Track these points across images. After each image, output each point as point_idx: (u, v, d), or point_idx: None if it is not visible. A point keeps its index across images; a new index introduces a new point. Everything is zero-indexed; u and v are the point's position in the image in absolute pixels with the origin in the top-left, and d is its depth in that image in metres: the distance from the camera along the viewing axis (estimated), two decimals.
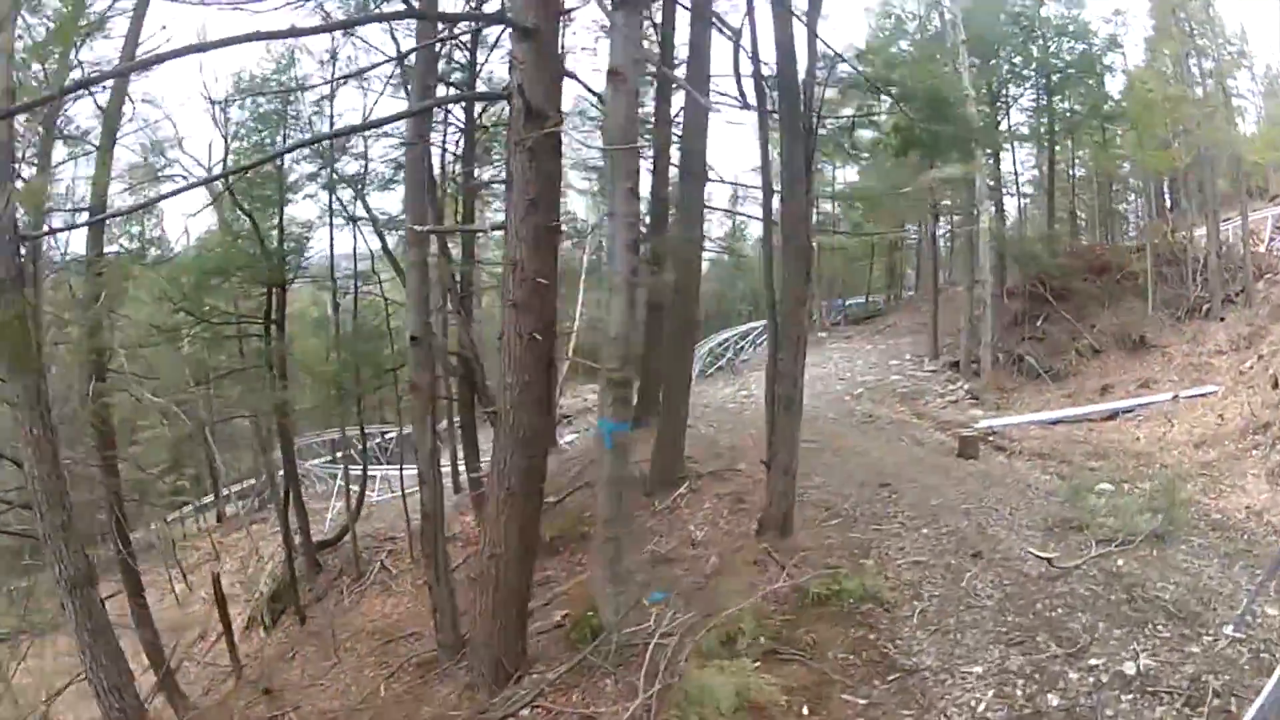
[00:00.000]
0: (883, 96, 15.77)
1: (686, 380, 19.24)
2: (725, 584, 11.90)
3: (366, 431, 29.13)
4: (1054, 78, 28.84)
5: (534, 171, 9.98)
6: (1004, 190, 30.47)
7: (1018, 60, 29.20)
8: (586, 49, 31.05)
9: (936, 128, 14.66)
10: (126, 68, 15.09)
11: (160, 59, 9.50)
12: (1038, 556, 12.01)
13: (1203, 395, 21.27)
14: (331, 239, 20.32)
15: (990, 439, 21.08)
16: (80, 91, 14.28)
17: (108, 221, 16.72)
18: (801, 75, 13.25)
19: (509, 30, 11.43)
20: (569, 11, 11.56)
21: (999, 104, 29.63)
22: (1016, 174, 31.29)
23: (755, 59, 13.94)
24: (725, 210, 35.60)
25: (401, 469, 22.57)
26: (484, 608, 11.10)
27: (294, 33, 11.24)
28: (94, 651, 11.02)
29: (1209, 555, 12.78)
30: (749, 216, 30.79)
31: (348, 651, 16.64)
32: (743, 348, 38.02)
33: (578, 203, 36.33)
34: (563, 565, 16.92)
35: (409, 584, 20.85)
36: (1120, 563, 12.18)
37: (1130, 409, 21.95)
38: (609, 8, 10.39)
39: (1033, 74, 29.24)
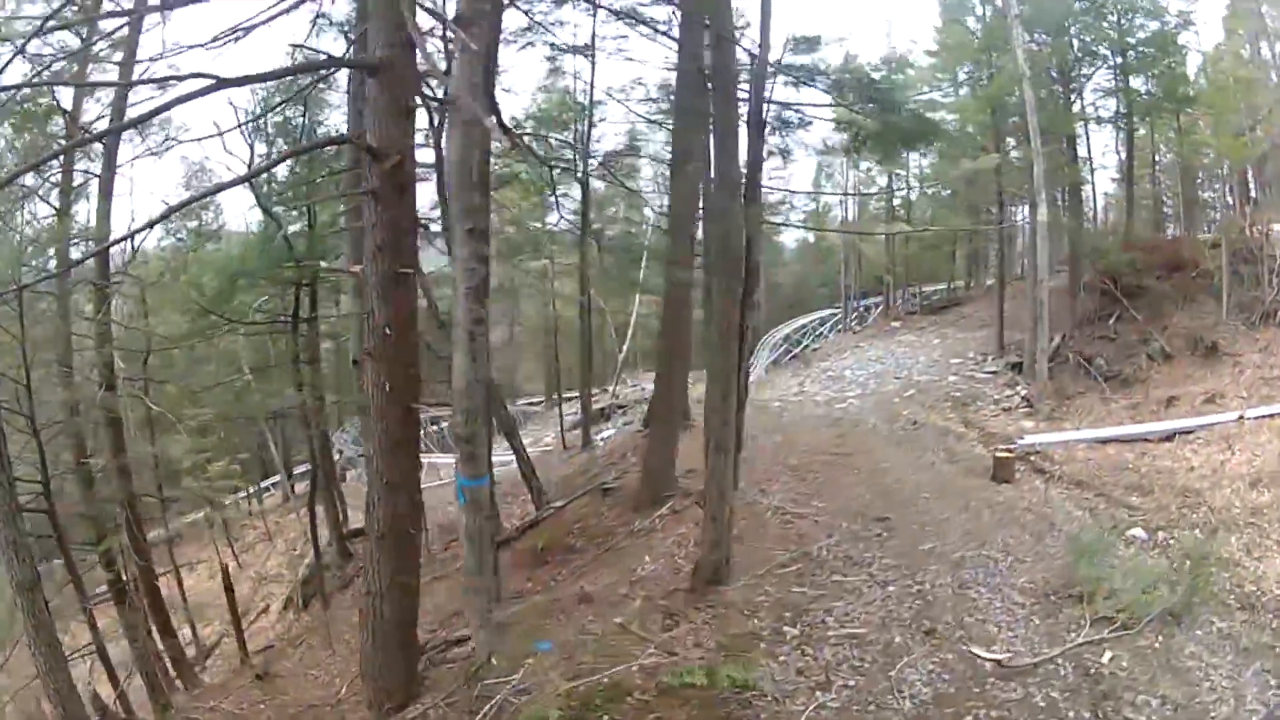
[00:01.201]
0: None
1: (680, 396, 17.39)
2: (613, 644, 10.14)
3: (424, 417, 29.01)
4: (1128, 56, 24.32)
5: (379, 216, 9.01)
6: (1083, 178, 25.99)
7: (1088, 38, 24.70)
8: None
9: (889, 121, 11.92)
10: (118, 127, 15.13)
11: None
12: (980, 658, 9.45)
13: (1270, 416, 17.31)
14: None
15: (1032, 458, 17.82)
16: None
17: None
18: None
19: None
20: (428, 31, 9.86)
21: (1071, 84, 25.15)
22: (1090, 159, 26.58)
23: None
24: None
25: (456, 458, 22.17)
26: (365, 642, 10.64)
27: None
28: (37, 644, 11.04)
29: (1224, 649, 9.86)
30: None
31: (343, 644, 15.94)
32: (821, 334, 35.31)
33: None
34: (546, 575, 15.71)
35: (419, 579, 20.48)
36: (1108, 656, 9.53)
37: (1190, 429, 18.00)
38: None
39: (1106, 52, 24.64)
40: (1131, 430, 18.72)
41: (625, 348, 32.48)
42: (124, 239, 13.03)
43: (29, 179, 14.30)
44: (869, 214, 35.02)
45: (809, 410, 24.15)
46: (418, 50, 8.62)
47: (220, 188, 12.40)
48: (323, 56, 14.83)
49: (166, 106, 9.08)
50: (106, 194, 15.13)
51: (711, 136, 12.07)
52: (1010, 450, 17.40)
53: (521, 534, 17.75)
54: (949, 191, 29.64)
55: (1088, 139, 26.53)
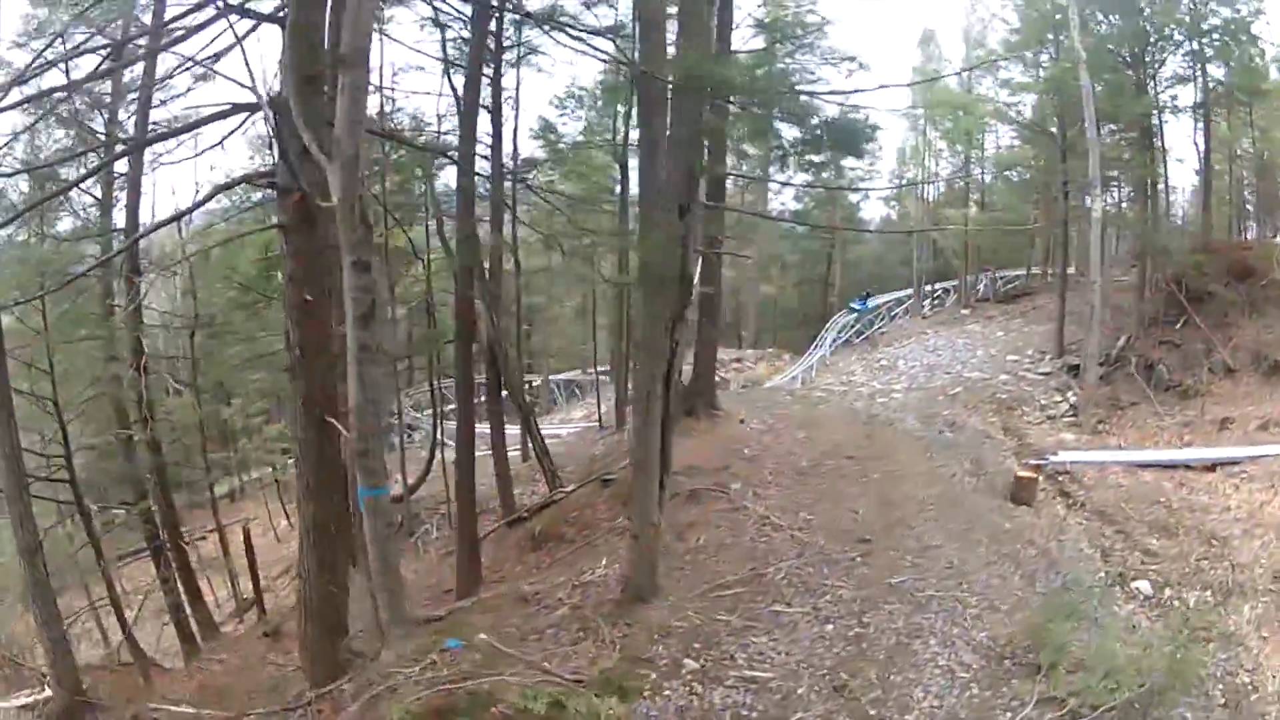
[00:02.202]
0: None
1: (663, 399, 16.10)
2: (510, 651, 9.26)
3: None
4: (1204, 43, 20.45)
5: (288, 247, 9.40)
6: (1158, 171, 21.96)
7: (1161, 20, 20.85)
8: None
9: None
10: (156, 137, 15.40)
11: None
12: None
13: None
14: None
15: (1061, 478, 15.37)
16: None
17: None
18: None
19: None
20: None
21: (1144, 70, 21.21)
22: (1164, 150, 22.21)
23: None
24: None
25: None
26: (300, 623, 11.25)
27: None
28: (37, 601, 11.42)
29: None
30: None
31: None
32: (895, 315, 32.65)
33: None
34: (534, 561, 15.28)
35: (434, 551, 20.37)
36: None
37: (1238, 460, 14.90)
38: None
39: (1181, 37, 20.79)
40: (1174, 456, 15.83)
41: (685, 322, 31.01)
42: (151, 231, 12.90)
43: (68, 174, 14.66)
44: (939, 199, 31.73)
45: (848, 403, 22.23)
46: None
47: (156, 226, 12.36)
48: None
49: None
50: (135, 189, 15.49)
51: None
52: (1035, 469, 15.15)
53: (531, 515, 17.30)
54: (1027, 175, 26.23)
55: (1160, 129, 22.22)
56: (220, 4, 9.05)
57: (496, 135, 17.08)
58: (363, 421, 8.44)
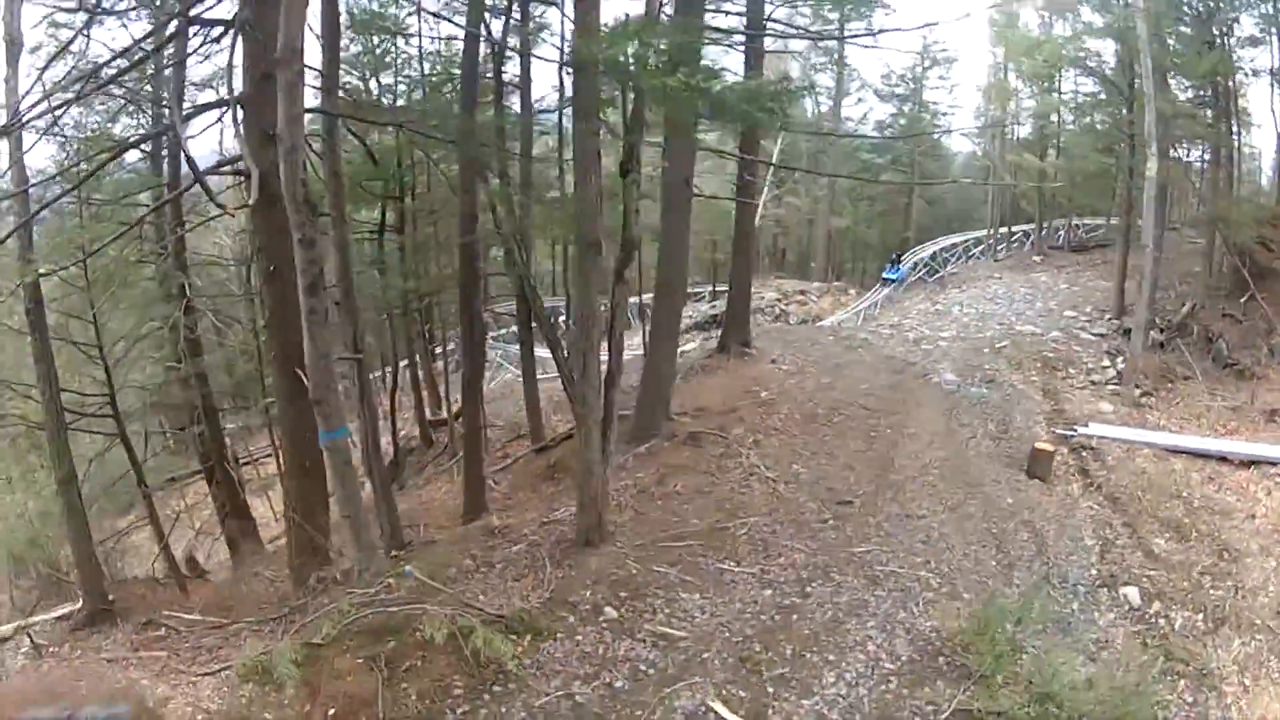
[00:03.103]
0: None
1: (674, 334, 15.30)
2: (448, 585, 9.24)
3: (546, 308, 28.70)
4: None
5: (256, 224, 10.64)
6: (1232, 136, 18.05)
7: None
8: None
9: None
10: None
11: None
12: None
13: None
14: None
15: (1085, 453, 13.59)
16: None
17: None
18: None
19: None
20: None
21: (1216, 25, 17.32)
22: (1238, 113, 18.07)
23: None
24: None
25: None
26: (288, 547, 12.08)
27: None
28: (69, 524, 12.37)
29: None
30: None
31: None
32: (973, 255, 29.92)
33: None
34: (549, 491, 14.71)
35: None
36: None
37: (1276, 462, 12.58)
38: None
39: None
40: (1209, 445, 13.66)
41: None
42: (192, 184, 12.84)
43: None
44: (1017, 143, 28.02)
45: (889, 348, 20.59)
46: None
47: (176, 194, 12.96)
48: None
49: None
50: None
51: None
52: (1059, 440, 13.57)
53: (557, 444, 16.82)
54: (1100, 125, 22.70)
55: (1234, 92, 18.46)
56: (183, 16, 9.44)
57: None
58: (316, 375, 8.71)
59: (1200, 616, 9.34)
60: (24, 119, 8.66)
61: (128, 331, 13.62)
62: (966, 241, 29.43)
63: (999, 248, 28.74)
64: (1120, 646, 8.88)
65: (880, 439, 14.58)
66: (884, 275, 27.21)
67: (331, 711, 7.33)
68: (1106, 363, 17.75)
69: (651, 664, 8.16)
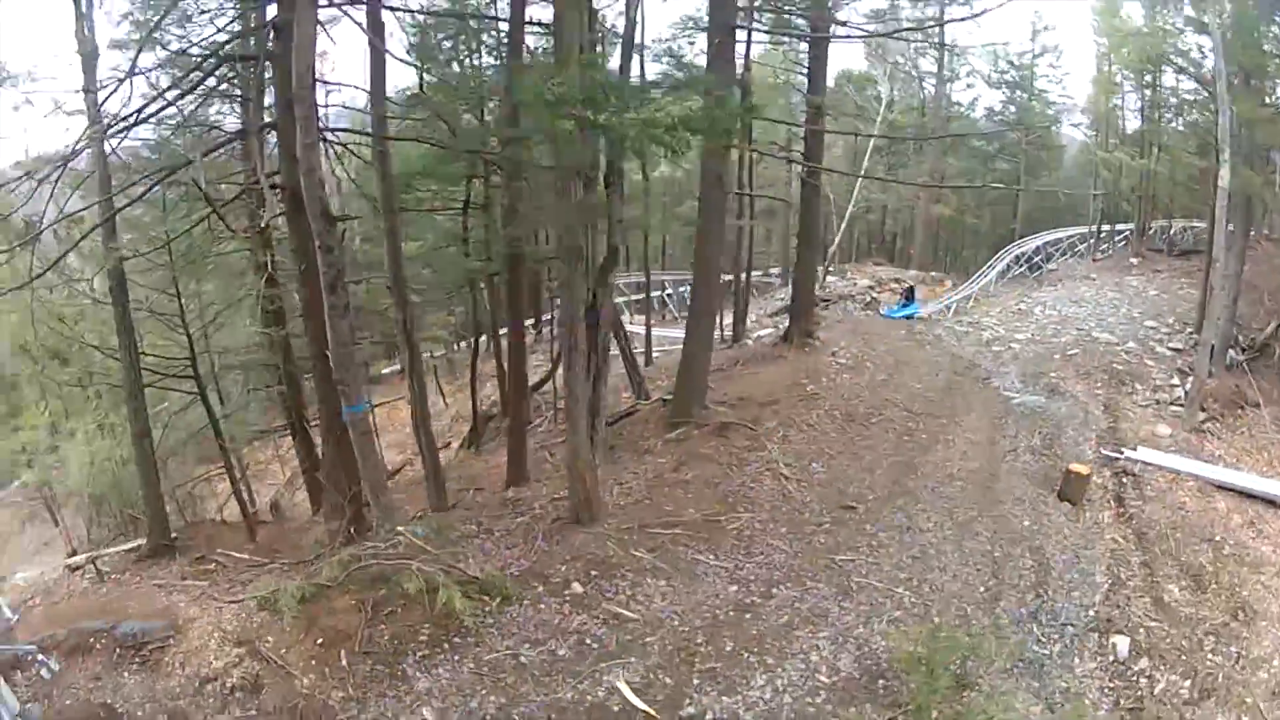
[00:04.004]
0: None
1: (709, 328, 15.08)
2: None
3: (666, 279, 28.79)
4: None
5: (290, 228, 11.17)
6: None
7: None
8: None
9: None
10: None
11: None
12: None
13: None
14: None
15: (1125, 479, 12.07)
16: None
17: None
18: None
19: None
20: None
21: None
22: None
23: None
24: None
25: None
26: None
27: None
28: (142, 472, 13.59)
29: None
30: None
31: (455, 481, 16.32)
32: (1078, 250, 27.21)
33: None
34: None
35: (532, 442, 20.99)
36: None
37: None
38: None
39: None
40: (1261, 485, 11.74)
41: (836, 240, 28.20)
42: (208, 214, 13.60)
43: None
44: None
45: (960, 347, 19.27)
46: None
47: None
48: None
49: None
50: None
51: None
52: (1097, 464, 12.30)
53: (613, 422, 16.39)
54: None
55: None
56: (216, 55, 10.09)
57: None
58: (338, 359, 9.69)
59: (1188, 683, 8.19)
60: (107, 129, 9.91)
61: (213, 301, 15.02)
62: (1072, 237, 26.63)
63: (1102, 246, 25.82)
64: (1089, 701, 8.03)
65: (912, 444, 13.83)
66: (886, 314, 24.00)
67: (320, 640, 8.25)
68: (1176, 381, 15.69)
69: (598, 639, 8.45)
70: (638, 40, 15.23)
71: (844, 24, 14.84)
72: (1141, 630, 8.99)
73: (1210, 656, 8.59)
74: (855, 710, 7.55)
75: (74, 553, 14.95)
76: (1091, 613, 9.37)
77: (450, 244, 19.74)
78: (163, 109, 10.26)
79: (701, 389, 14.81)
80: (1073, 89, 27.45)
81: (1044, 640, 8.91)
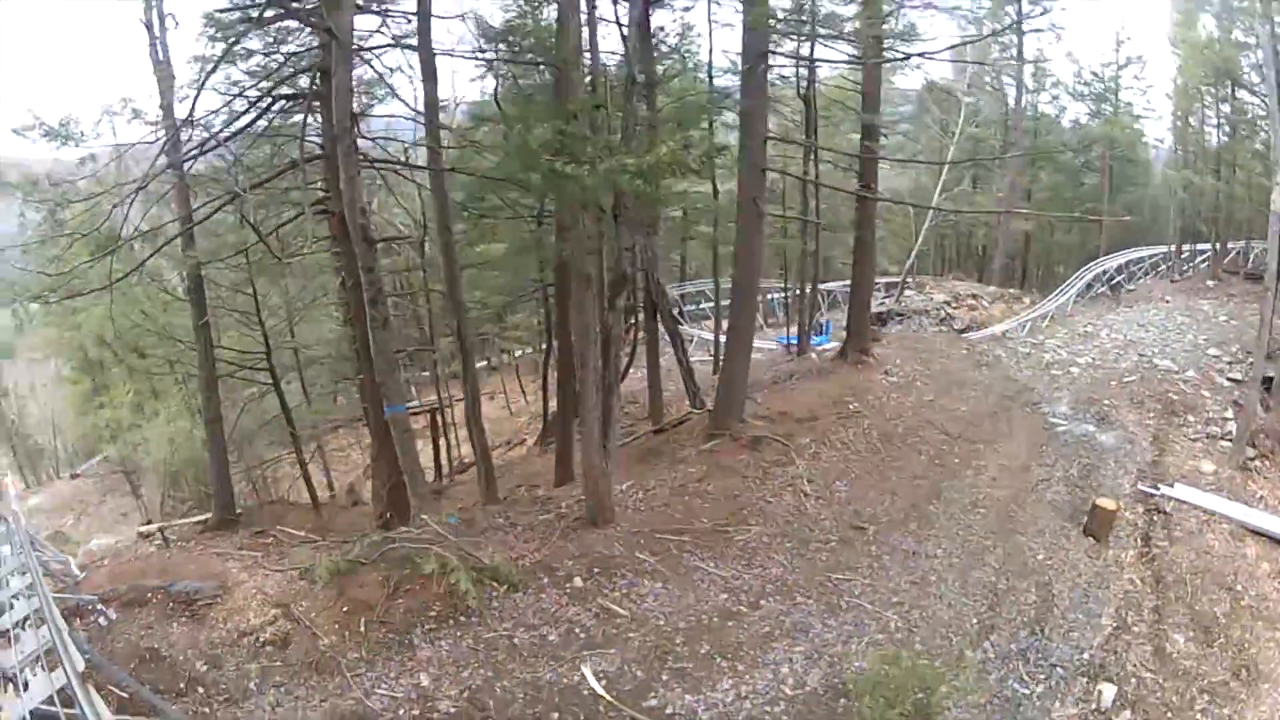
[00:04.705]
0: None
1: (747, 345, 15.49)
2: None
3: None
4: None
5: (339, 249, 12.63)
6: None
7: None
8: None
9: None
10: None
11: None
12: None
13: None
14: None
15: (1156, 517, 11.62)
16: None
17: None
18: None
19: None
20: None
21: None
22: None
23: None
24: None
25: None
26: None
27: None
28: (212, 455, 15.42)
29: None
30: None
31: (512, 477, 18.22)
32: (1160, 269, 25.98)
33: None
34: (634, 474, 15.05)
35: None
36: None
37: None
38: None
39: None
40: None
41: (913, 252, 27.84)
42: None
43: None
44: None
45: (1017, 370, 18.90)
46: None
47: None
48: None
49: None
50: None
51: None
52: (1134, 500, 12.04)
53: (668, 429, 17.56)
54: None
55: None
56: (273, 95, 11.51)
57: None
58: (379, 365, 11.09)
59: None
60: (185, 157, 11.63)
61: (290, 299, 16.86)
62: (1155, 256, 25.34)
63: (1182, 268, 24.48)
64: None
65: (943, 468, 13.87)
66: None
67: (345, 608, 9.47)
68: (1229, 414, 14.80)
69: (586, 630, 9.21)
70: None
71: (888, 46, 14.90)
72: (1133, 680, 8.81)
73: (1199, 717, 8.33)
74: None
75: (149, 522, 17.08)
76: (1086, 656, 9.21)
77: (523, 251, 21.19)
78: (226, 140, 11.78)
79: (739, 402, 15.26)
80: (1156, 102, 26.01)
81: (1027, 679, 8.88)
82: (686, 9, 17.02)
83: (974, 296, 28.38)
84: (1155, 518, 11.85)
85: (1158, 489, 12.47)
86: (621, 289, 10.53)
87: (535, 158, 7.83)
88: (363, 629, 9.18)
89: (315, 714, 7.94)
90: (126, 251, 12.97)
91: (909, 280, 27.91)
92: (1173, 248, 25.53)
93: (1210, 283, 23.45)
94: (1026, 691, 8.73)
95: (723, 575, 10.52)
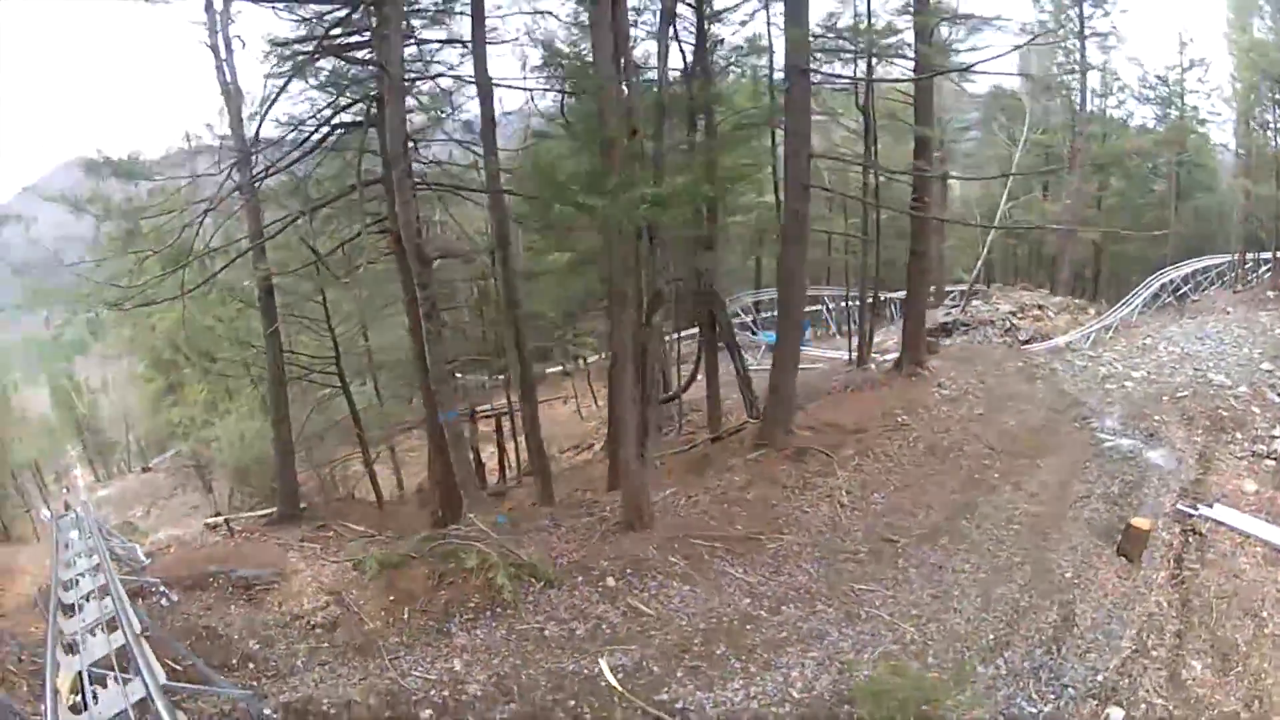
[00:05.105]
0: None
1: (794, 360, 15.94)
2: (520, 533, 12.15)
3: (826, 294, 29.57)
4: None
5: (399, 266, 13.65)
6: None
7: None
8: None
9: None
10: None
11: None
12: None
13: None
14: None
15: (1194, 538, 11.40)
16: None
17: None
18: None
19: None
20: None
21: None
22: None
23: None
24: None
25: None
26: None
27: None
28: (278, 450, 16.54)
29: None
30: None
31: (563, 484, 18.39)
32: (1226, 278, 25.19)
33: None
34: (686, 481, 15.51)
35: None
36: None
37: None
38: None
39: None
40: None
41: (980, 261, 27.58)
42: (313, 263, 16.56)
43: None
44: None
45: (1071, 384, 18.75)
46: None
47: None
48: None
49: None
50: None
51: None
52: (1172, 519, 11.94)
53: (729, 436, 18.11)
54: None
55: None
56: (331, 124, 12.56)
57: None
58: (434, 374, 12.09)
59: None
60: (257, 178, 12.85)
61: (363, 305, 18.10)
62: (1221, 265, 24.52)
63: (1245, 278, 23.61)
64: None
65: (982, 483, 14.00)
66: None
67: (392, 597, 10.51)
68: (1278, 431, 14.36)
69: (613, 626, 9.90)
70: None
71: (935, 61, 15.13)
72: (1143, 705, 8.78)
73: None
74: None
75: (216, 514, 18.51)
76: (1100, 678, 9.20)
77: (585, 263, 22.08)
78: (289, 165, 12.92)
79: (787, 413, 15.71)
80: (1220, 105, 24.97)
81: (1036, 698, 8.94)
82: (743, 22, 17.52)
83: (1039, 307, 27.94)
84: (1190, 539, 11.70)
85: (1196, 509, 12.29)
86: (657, 307, 11.20)
87: (562, 190, 8.58)
88: (406, 617, 10.16)
89: (354, 690, 8.80)
90: (199, 262, 14.27)
91: (975, 290, 27.68)
92: (1234, 257, 24.61)
93: (1271, 293, 22.57)
94: (1033, 710, 8.80)
95: (749, 581, 11.04)
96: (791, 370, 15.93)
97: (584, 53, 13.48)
